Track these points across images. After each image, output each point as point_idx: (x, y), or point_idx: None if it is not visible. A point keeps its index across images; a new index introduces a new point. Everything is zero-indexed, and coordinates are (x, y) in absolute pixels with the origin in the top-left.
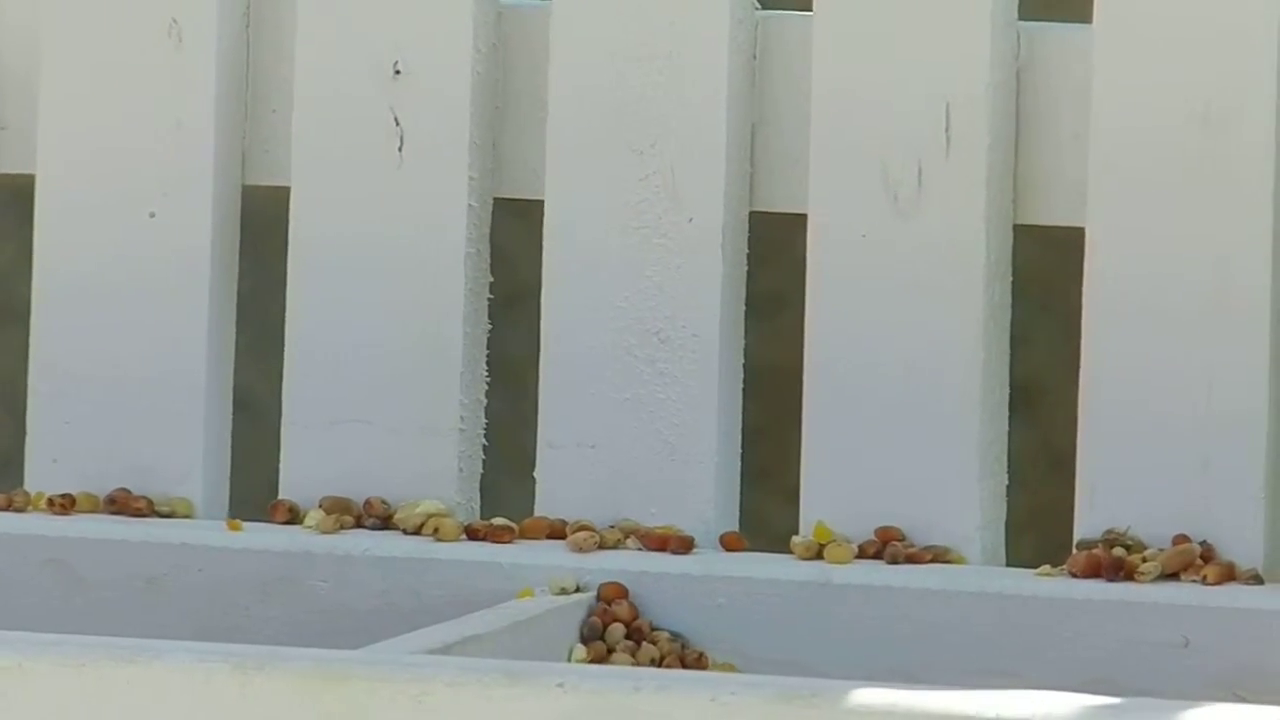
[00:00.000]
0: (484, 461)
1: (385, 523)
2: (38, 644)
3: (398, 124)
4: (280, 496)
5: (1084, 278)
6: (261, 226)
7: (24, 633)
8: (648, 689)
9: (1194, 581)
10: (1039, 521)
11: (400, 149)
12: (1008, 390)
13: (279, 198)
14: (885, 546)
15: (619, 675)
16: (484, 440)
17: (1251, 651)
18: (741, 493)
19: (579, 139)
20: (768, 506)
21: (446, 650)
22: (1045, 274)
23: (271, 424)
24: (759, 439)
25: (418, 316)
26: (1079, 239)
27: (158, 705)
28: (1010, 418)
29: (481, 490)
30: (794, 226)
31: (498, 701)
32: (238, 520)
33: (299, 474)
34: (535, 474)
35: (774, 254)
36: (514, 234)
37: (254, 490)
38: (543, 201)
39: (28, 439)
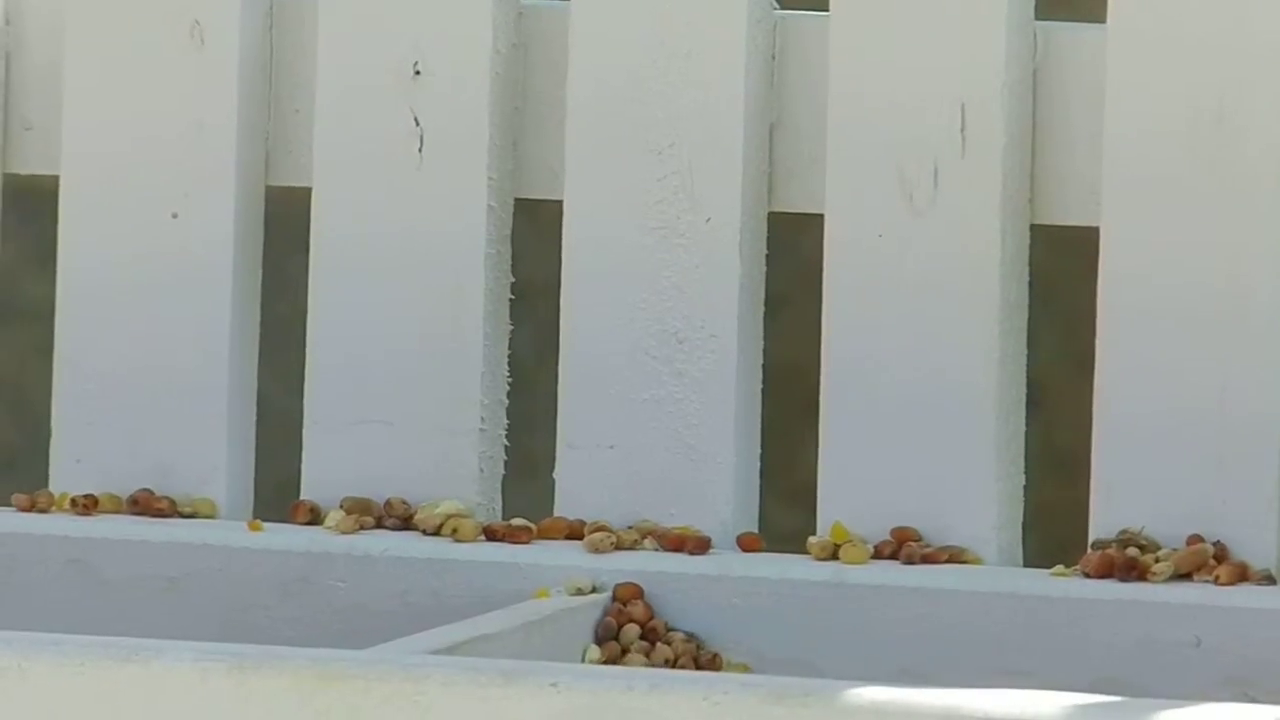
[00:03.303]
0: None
1: (406, 523)
2: (37, 644)
3: (418, 124)
4: (301, 497)
5: (1099, 278)
6: (270, 225)
7: (23, 632)
8: (641, 688)
9: (1207, 582)
10: (1041, 521)
11: (420, 149)
12: (1024, 390)
13: (287, 197)
14: (901, 547)
15: (613, 675)
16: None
17: (1263, 651)
18: None
19: (598, 139)
20: (770, 506)
21: (457, 650)
22: (1047, 274)
23: (282, 424)
24: (762, 438)
25: (438, 317)
26: (1081, 238)
27: (156, 704)
28: None
29: None
30: (797, 226)
31: (492, 701)
32: (258, 521)
33: (320, 474)
34: (554, 474)
35: (776, 253)
36: (519, 232)
37: (264, 490)
38: (551, 201)
39: (51, 439)
